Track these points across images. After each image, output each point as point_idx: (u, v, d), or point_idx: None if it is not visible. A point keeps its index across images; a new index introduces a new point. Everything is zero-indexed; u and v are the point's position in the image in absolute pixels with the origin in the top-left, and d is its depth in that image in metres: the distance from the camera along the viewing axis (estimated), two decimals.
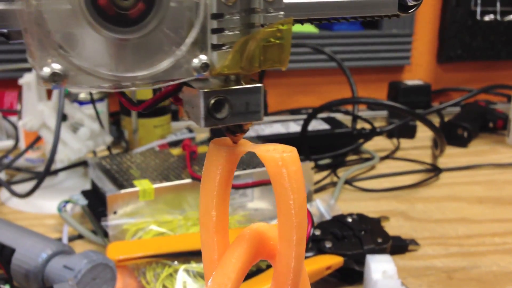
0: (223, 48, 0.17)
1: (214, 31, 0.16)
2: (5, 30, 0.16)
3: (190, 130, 0.85)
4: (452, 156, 0.88)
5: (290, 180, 0.20)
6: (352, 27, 1.12)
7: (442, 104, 0.98)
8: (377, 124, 1.01)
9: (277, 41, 0.17)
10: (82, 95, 0.80)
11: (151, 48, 0.16)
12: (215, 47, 0.17)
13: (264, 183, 0.58)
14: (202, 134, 0.88)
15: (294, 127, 0.85)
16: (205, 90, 0.17)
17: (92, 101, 0.74)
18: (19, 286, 0.46)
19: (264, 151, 0.20)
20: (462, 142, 0.92)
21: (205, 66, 0.17)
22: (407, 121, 0.92)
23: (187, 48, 0.16)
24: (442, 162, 0.84)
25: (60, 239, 0.57)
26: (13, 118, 0.87)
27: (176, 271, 0.48)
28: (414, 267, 0.54)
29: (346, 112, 0.96)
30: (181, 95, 0.18)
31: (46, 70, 0.14)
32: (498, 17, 1.12)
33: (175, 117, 0.93)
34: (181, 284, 0.47)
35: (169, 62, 0.16)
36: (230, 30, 0.17)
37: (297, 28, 0.78)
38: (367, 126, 0.88)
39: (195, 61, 0.16)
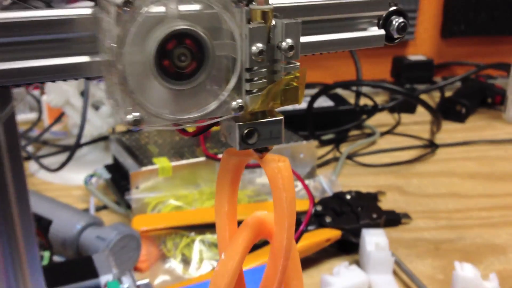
0: (254, 92, 0.22)
1: (247, 80, 0.22)
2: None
3: None
4: (449, 131, 0.93)
5: (283, 182, 0.25)
6: None
7: (443, 80, 1.02)
8: (380, 98, 1.06)
9: (295, 85, 0.23)
10: None
11: (201, 95, 0.21)
12: (248, 92, 0.22)
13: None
14: None
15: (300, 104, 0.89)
16: (240, 123, 0.23)
17: None
18: (56, 253, 0.53)
19: (266, 159, 0.26)
20: (460, 118, 0.97)
21: (240, 107, 0.22)
22: (411, 98, 0.96)
23: (228, 94, 0.22)
24: (440, 138, 0.89)
25: (87, 210, 0.63)
26: (35, 92, 0.93)
27: (193, 241, 0.55)
28: (405, 238, 0.60)
29: (350, 88, 1.00)
30: (221, 123, 0.24)
31: (129, 117, 0.20)
32: None
33: None
34: (198, 252, 0.54)
35: (214, 105, 0.21)
36: (259, 79, 0.22)
37: None
38: (370, 102, 0.93)
39: (233, 103, 0.22)
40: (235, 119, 0.23)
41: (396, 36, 0.28)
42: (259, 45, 0.21)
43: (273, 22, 0.22)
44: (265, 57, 0.22)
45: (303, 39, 0.24)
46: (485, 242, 0.60)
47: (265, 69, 0.22)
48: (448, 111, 0.97)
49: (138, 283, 0.43)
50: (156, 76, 0.20)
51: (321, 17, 0.26)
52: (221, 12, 0.21)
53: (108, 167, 0.69)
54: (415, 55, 1.14)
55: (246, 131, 0.23)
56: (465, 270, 0.49)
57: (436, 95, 1.08)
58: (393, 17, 0.28)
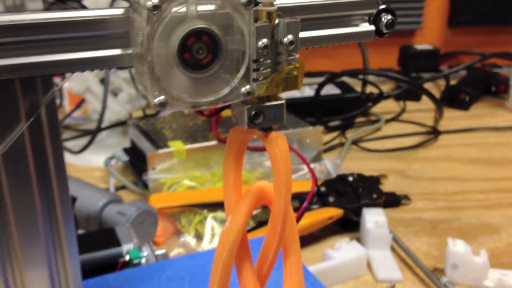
0: (260, 80, 0.26)
1: (254, 70, 0.26)
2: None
3: None
4: (453, 119, 0.96)
5: (281, 156, 0.30)
6: None
7: (449, 69, 1.05)
8: (386, 86, 1.09)
9: (295, 74, 0.27)
10: None
11: (215, 82, 0.25)
12: (255, 80, 0.26)
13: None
14: None
15: (308, 91, 0.93)
16: (248, 106, 0.27)
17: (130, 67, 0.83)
18: (80, 227, 0.57)
19: (265, 136, 0.30)
20: (464, 106, 1.00)
21: (248, 93, 0.26)
22: (417, 89, 0.99)
23: (238, 81, 0.26)
24: (443, 125, 0.92)
25: (108, 189, 0.68)
26: (57, 80, 0.97)
27: (205, 218, 0.59)
28: (404, 218, 0.64)
29: (357, 77, 1.04)
30: (232, 106, 0.28)
31: (156, 100, 0.24)
32: None
33: None
34: (210, 228, 0.58)
35: (226, 90, 0.26)
36: (264, 69, 0.26)
37: None
38: (375, 90, 0.96)
39: (243, 89, 0.26)
40: (244, 103, 0.27)
41: (385, 31, 0.32)
42: (264, 40, 0.25)
43: (277, 21, 0.26)
44: (270, 51, 0.26)
45: (302, 34, 0.28)
46: (480, 222, 0.64)
47: (269, 61, 0.26)
48: (452, 99, 1.00)
49: (156, 253, 0.48)
50: (178, 66, 0.24)
51: (318, 15, 0.30)
52: (232, 13, 0.25)
53: (126, 150, 0.73)
54: (421, 45, 1.17)
55: (253, 113, 0.27)
56: (457, 246, 0.53)
57: (442, 83, 1.11)
58: (382, 14, 0.32)
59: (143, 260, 0.45)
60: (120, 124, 0.82)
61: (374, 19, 0.32)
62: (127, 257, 0.44)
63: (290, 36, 0.26)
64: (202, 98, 0.25)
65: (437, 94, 1.05)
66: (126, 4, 0.25)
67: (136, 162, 0.70)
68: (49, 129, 0.30)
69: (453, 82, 1.07)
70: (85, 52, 0.24)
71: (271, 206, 0.32)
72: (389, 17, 0.32)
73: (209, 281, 0.32)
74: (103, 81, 0.80)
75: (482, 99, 1.06)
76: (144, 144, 0.69)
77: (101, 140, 0.81)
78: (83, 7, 0.29)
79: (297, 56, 0.27)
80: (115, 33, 0.24)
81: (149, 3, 0.22)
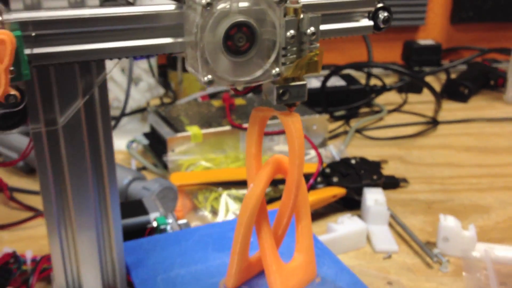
0: (287, 64, 0.32)
1: (283, 56, 0.32)
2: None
3: None
4: (452, 110, 1.01)
5: (296, 131, 0.35)
6: None
7: (449, 63, 1.10)
8: (390, 79, 1.14)
9: (315, 60, 0.33)
10: None
11: (251, 65, 0.31)
12: (283, 64, 0.32)
13: (281, 133, 0.74)
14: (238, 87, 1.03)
15: (315, 83, 0.99)
16: (277, 85, 0.33)
17: (147, 56, 0.89)
18: None
19: (282, 115, 0.35)
20: (463, 98, 1.05)
21: (278, 74, 0.32)
22: (417, 80, 1.05)
23: (269, 65, 0.32)
24: (442, 116, 0.98)
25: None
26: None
27: (220, 195, 0.65)
28: (402, 199, 0.70)
29: (362, 70, 1.09)
30: (263, 86, 0.34)
31: (206, 79, 0.30)
32: None
33: None
34: (224, 204, 0.64)
35: (260, 72, 0.31)
36: (291, 55, 0.32)
37: None
38: (379, 83, 1.02)
39: (273, 71, 0.32)
40: (273, 82, 0.33)
41: (382, 26, 0.38)
42: (292, 31, 0.31)
43: (301, 15, 0.32)
44: (295, 40, 0.32)
45: (323, 27, 0.34)
46: (472, 203, 0.69)
47: (295, 48, 0.32)
48: (452, 91, 1.06)
49: (179, 222, 0.53)
50: (223, 52, 0.30)
51: (329, 12, 0.36)
52: (266, 9, 0.31)
53: (146, 135, 0.80)
54: (424, 40, 1.22)
55: (281, 91, 0.33)
56: (448, 221, 0.58)
57: (443, 77, 1.16)
58: (380, 11, 0.37)
59: (168, 227, 0.50)
60: (140, 111, 0.88)
61: (373, 16, 0.37)
62: (154, 224, 0.50)
63: (312, 28, 0.32)
64: (240, 78, 0.31)
65: (438, 87, 1.10)
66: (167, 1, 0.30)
67: (156, 145, 0.76)
68: (101, 106, 0.35)
69: (454, 76, 1.12)
70: (139, 41, 0.30)
71: (286, 175, 0.37)
72: (386, 14, 0.37)
73: (232, 242, 0.38)
74: (123, 71, 0.86)
75: (481, 92, 1.11)
76: (163, 129, 0.75)
77: (122, 126, 0.87)
78: (129, 4, 0.35)
79: (318, 45, 0.33)
80: (166, 25, 0.30)
81: (203, 1, 0.28)
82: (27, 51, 0.28)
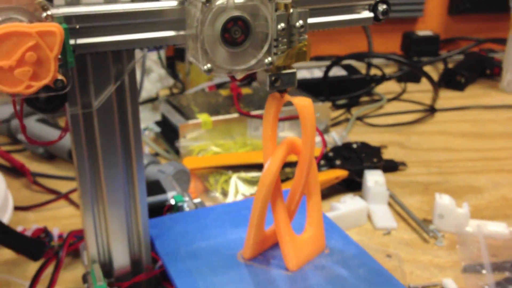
0: (278, 54, 0.36)
1: (274, 46, 0.35)
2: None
3: None
4: (449, 98, 1.06)
5: (308, 115, 0.39)
6: None
7: (445, 53, 1.14)
8: (390, 69, 1.18)
9: (304, 50, 0.36)
10: None
11: (246, 55, 0.35)
12: (275, 54, 0.36)
13: (292, 118, 0.78)
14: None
15: (318, 73, 1.03)
16: (270, 73, 0.36)
17: (157, 49, 0.93)
18: None
19: (296, 100, 0.40)
20: (460, 87, 1.09)
21: (270, 63, 0.36)
22: (414, 69, 1.09)
23: (262, 55, 0.35)
24: (440, 104, 1.02)
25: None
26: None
27: (230, 177, 0.69)
28: (401, 181, 0.74)
29: (363, 60, 1.13)
30: (257, 73, 0.38)
31: (205, 67, 0.34)
32: None
33: None
34: (234, 186, 0.68)
35: (254, 61, 0.35)
36: (282, 46, 0.36)
37: None
38: (379, 72, 1.06)
39: (266, 61, 0.36)
40: (266, 71, 0.37)
41: (381, 17, 0.42)
42: (282, 25, 0.35)
43: (291, 10, 0.36)
44: (286, 32, 0.36)
45: (313, 20, 0.38)
46: (466, 184, 0.74)
47: (285, 40, 0.36)
48: (449, 80, 1.10)
49: (194, 201, 0.58)
50: (220, 43, 0.34)
51: (331, 5, 0.40)
52: (259, 4, 0.35)
53: (158, 123, 0.84)
54: (423, 31, 1.26)
55: (273, 78, 0.37)
56: (443, 199, 0.63)
57: (441, 66, 1.20)
58: (379, 4, 0.41)
59: (185, 205, 0.55)
60: (151, 100, 0.92)
61: (373, 8, 0.41)
62: (172, 201, 0.54)
63: (301, 22, 0.36)
64: (236, 67, 0.35)
65: (435, 76, 1.14)
66: None
67: (168, 132, 0.80)
68: (130, 91, 0.40)
69: (451, 66, 1.16)
70: (147, 33, 0.34)
71: (298, 155, 0.42)
72: (385, 6, 0.41)
73: (248, 219, 0.42)
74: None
75: (477, 81, 1.15)
76: (175, 117, 0.79)
77: None
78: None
79: (306, 36, 0.37)
80: (169, 20, 0.34)
81: None
82: (72, 42, 0.32)
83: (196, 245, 0.46)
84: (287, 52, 0.36)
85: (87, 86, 0.38)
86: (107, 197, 0.42)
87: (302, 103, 0.40)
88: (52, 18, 0.31)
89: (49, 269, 0.49)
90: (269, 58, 0.36)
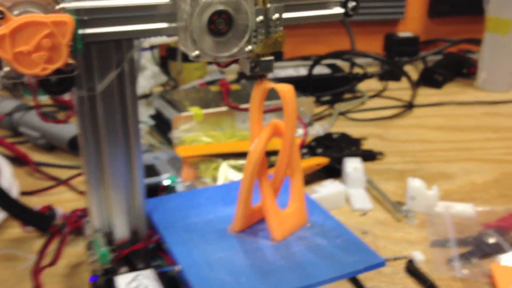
0: (257, 43, 0.41)
1: (254, 36, 0.41)
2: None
3: (222, 72, 1.10)
4: (427, 95, 1.12)
5: (290, 99, 0.45)
6: None
7: (423, 53, 1.20)
8: (373, 68, 1.24)
9: (279, 40, 0.42)
10: (146, 44, 1.04)
11: (229, 44, 0.40)
12: (254, 43, 0.41)
13: (277, 110, 0.83)
14: (231, 75, 1.13)
15: (303, 71, 1.09)
16: (250, 60, 0.42)
17: (151, 48, 0.99)
18: None
19: (279, 86, 0.45)
20: (437, 85, 1.16)
21: (250, 51, 0.41)
22: (393, 68, 1.15)
23: (243, 44, 0.41)
24: (418, 100, 1.08)
25: None
26: None
27: (220, 165, 0.75)
28: (378, 169, 0.80)
29: (346, 59, 1.19)
30: (240, 60, 0.43)
31: (194, 54, 0.39)
32: None
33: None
34: (223, 173, 0.74)
35: (236, 49, 0.41)
36: (260, 36, 0.41)
37: None
38: (361, 71, 1.12)
39: (246, 49, 0.41)
40: (247, 58, 0.42)
41: (350, 13, 0.48)
42: (260, 17, 0.41)
43: (268, 5, 0.41)
44: (263, 24, 0.41)
45: (290, 14, 0.43)
46: (439, 172, 0.80)
47: (263, 31, 0.41)
48: (428, 79, 1.16)
49: (185, 184, 0.63)
50: (207, 33, 0.39)
51: (307, 2, 0.45)
52: (241, 0, 0.40)
53: (152, 117, 0.89)
54: (404, 32, 1.32)
55: (253, 64, 0.42)
56: (414, 182, 0.69)
57: (421, 66, 1.26)
58: (349, 1, 0.47)
59: (178, 186, 0.60)
60: (145, 96, 0.98)
61: (343, 4, 0.47)
62: (166, 182, 0.59)
63: (277, 15, 0.41)
64: (221, 54, 0.41)
65: (415, 75, 1.20)
66: None
67: (161, 125, 0.86)
68: (129, 77, 0.45)
69: (430, 64, 1.22)
70: (143, 25, 0.39)
71: (282, 136, 0.47)
72: (354, 3, 0.47)
73: (239, 190, 0.47)
74: None
75: (455, 79, 1.22)
76: (168, 111, 0.85)
77: None
78: None
79: (281, 28, 0.42)
80: (162, 13, 0.39)
81: None
82: (80, 31, 0.38)
83: (190, 220, 0.51)
84: (265, 41, 0.42)
85: (92, 72, 0.43)
86: (109, 175, 0.47)
87: (284, 89, 0.45)
88: (64, 10, 0.36)
89: (53, 246, 0.54)
90: (249, 47, 0.41)
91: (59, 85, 0.42)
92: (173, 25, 0.40)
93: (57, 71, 0.37)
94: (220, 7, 0.39)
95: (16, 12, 0.35)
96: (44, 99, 1.00)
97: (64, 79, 0.41)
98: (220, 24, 0.40)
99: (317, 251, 0.46)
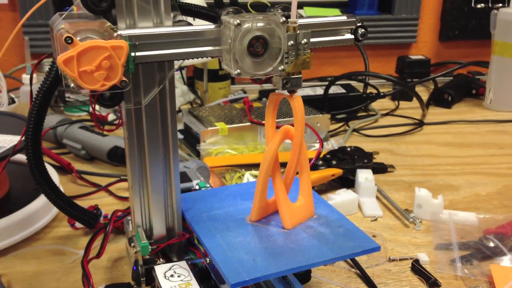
0: (288, 63, 0.49)
1: (286, 58, 0.49)
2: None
3: (244, 91, 1.18)
4: (437, 114, 1.18)
5: (299, 107, 0.52)
6: (370, 12, 1.41)
7: (433, 75, 1.27)
8: (385, 89, 1.31)
9: (307, 60, 0.49)
10: None
11: (265, 63, 0.48)
12: (286, 63, 0.49)
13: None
14: (253, 94, 1.21)
15: (320, 91, 1.16)
16: (282, 77, 0.49)
17: (180, 69, 1.07)
18: None
19: (289, 96, 0.52)
20: (447, 104, 1.22)
21: (282, 70, 0.49)
22: (405, 88, 1.22)
23: (277, 64, 0.49)
24: (428, 119, 1.14)
25: None
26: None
27: (243, 174, 0.82)
28: (389, 180, 0.87)
29: (360, 80, 1.27)
30: (273, 78, 0.51)
31: (236, 72, 0.47)
32: (489, 5, 1.39)
33: (233, 81, 1.26)
34: (246, 181, 0.81)
35: (271, 68, 0.48)
36: (291, 57, 0.49)
37: (325, 12, 1.10)
38: (374, 91, 1.19)
39: (279, 68, 0.49)
40: (279, 76, 0.50)
41: (360, 39, 0.55)
42: (291, 42, 0.48)
43: (298, 31, 0.49)
44: (294, 48, 0.49)
45: (312, 39, 0.51)
46: (445, 184, 0.86)
47: (294, 53, 0.49)
48: (438, 99, 1.22)
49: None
50: (247, 55, 0.47)
51: (321, 29, 0.53)
52: (275, 27, 0.48)
53: (180, 131, 0.97)
54: (415, 55, 1.39)
55: (285, 81, 0.50)
56: (421, 191, 0.75)
57: (432, 87, 1.33)
58: (359, 28, 0.55)
59: None
60: None
61: (354, 32, 0.55)
62: (197, 187, 0.67)
63: (305, 40, 0.49)
64: (258, 72, 0.48)
65: (426, 95, 1.27)
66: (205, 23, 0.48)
67: (190, 138, 0.93)
68: (169, 93, 0.53)
69: (440, 85, 1.29)
70: (191, 48, 0.47)
71: (292, 139, 0.54)
72: (363, 30, 0.55)
73: (255, 187, 0.55)
74: None
75: (464, 100, 1.28)
76: (196, 125, 0.92)
77: None
78: (189, 24, 0.52)
79: (309, 50, 0.50)
80: (207, 38, 0.47)
81: (235, 22, 0.46)
82: (132, 54, 0.46)
83: (214, 212, 0.58)
84: (295, 62, 0.49)
85: (139, 88, 0.51)
86: (150, 179, 0.55)
87: (294, 98, 0.53)
88: (120, 36, 0.44)
89: (97, 242, 0.61)
90: (282, 66, 0.49)
91: (111, 99, 0.50)
92: (217, 48, 0.48)
93: (112, 87, 0.45)
94: (258, 33, 0.47)
95: (78, 38, 0.43)
96: (84, 114, 1.09)
97: (115, 94, 0.49)
98: (258, 47, 0.47)
99: (321, 237, 0.53)
